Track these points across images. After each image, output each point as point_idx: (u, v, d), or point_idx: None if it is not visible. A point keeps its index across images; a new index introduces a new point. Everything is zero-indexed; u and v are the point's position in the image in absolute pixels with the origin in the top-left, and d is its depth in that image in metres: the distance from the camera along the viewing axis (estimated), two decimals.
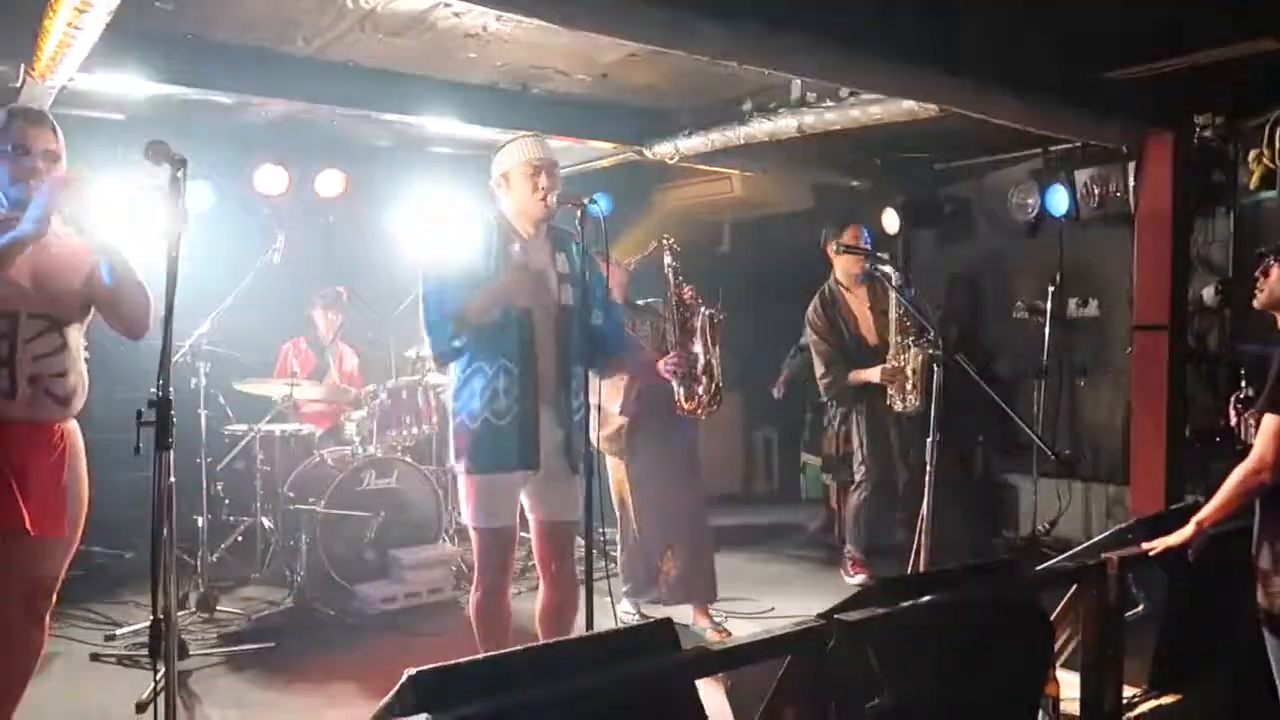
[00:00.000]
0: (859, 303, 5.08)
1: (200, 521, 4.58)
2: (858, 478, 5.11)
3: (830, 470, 6.12)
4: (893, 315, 4.87)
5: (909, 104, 3.94)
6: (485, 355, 3.03)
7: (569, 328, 3.10)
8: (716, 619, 4.41)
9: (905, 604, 2.57)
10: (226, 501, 5.14)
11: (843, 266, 5.04)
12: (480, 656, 1.96)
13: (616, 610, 4.29)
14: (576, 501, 3.09)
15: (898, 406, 4.85)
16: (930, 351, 3.94)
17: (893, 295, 4.77)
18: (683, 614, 4.38)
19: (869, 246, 4.91)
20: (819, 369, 5.08)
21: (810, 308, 5.13)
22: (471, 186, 5.81)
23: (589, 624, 2.96)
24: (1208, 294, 4.86)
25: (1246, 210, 4.36)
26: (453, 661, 1.93)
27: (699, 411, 4.11)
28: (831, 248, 4.95)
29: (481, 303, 2.97)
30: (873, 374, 4.90)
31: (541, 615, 3.22)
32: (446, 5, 3.44)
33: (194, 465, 4.51)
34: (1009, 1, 3.37)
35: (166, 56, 3.90)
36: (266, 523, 4.98)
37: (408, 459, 5.04)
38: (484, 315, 2.97)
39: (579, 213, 2.96)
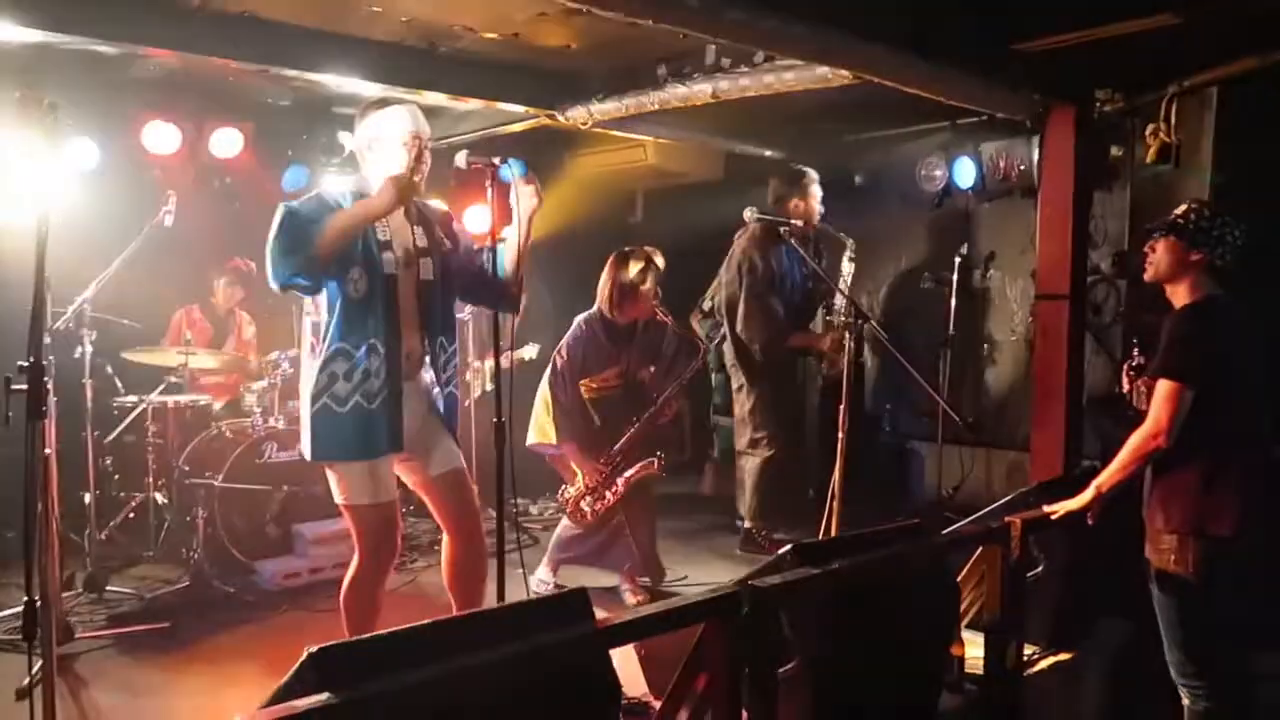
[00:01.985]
0: (797, 258, 5.04)
1: (88, 498, 4.35)
2: (758, 444, 5.10)
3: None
4: (847, 281, 4.84)
5: (823, 70, 3.93)
6: (350, 335, 2.88)
7: (432, 302, 3.04)
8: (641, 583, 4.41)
9: (817, 570, 2.58)
10: (116, 477, 4.89)
11: (809, 217, 4.94)
12: (385, 632, 1.88)
13: (530, 580, 4.27)
14: (457, 451, 3.07)
15: (826, 369, 4.85)
16: (845, 319, 3.98)
17: (846, 261, 4.77)
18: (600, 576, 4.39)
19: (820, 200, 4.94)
20: (759, 318, 4.99)
21: (751, 251, 5.01)
22: None
23: (500, 595, 2.90)
24: (1105, 265, 5.03)
25: (1143, 183, 4.51)
26: (356, 638, 1.86)
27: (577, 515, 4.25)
28: (799, 202, 4.97)
29: (347, 218, 2.80)
30: (820, 340, 4.86)
31: (453, 573, 3.12)
32: None
33: (80, 439, 4.28)
34: None
35: (43, 1, 3.62)
36: (160, 498, 4.76)
37: None
38: (347, 234, 2.79)
39: (489, 175, 2.87)
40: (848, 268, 4.99)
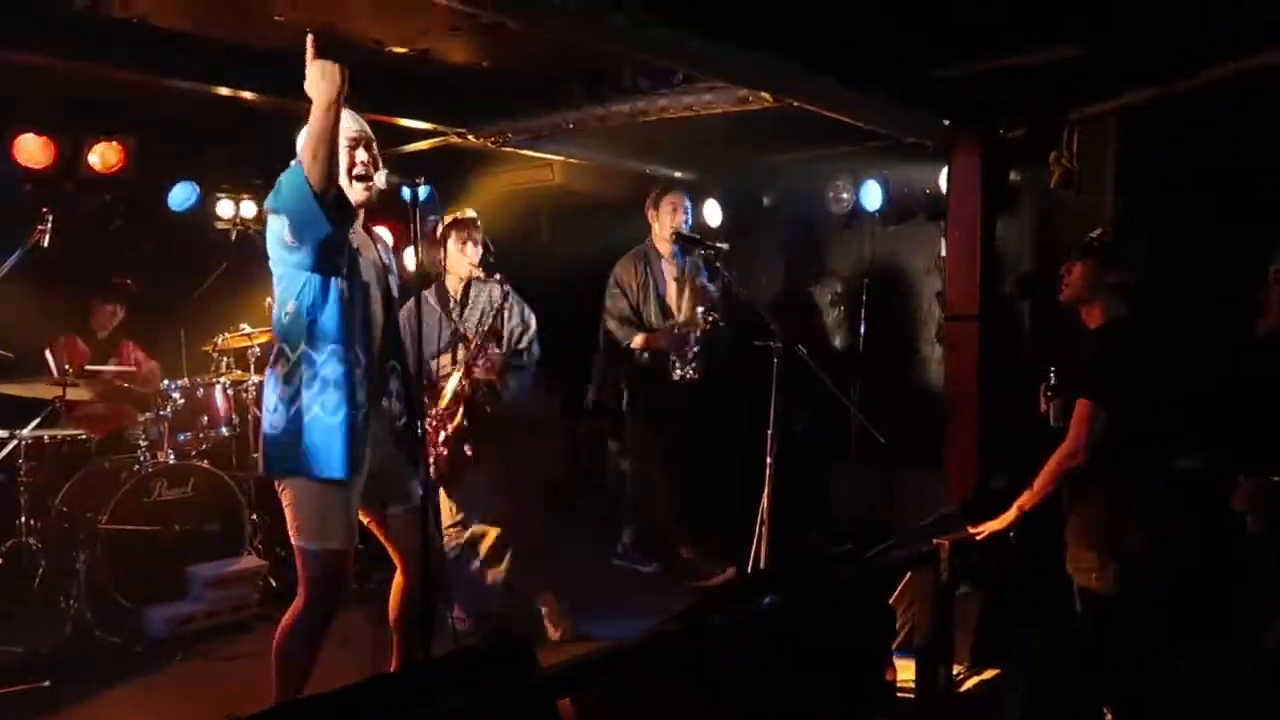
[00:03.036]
0: (670, 269, 5.13)
1: None
2: (632, 462, 5.08)
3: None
4: (695, 284, 4.98)
5: (742, 92, 3.93)
6: (315, 340, 2.71)
7: (392, 321, 2.94)
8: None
9: (759, 602, 2.53)
10: None
11: (661, 230, 5.05)
12: (322, 693, 1.72)
13: (448, 618, 4.08)
14: (418, 487, 2.90)
15: (676, 375, 4.89)
16: (772, 344, 3.97)
17: (692, 262, 4.94)
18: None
19: (689, 214, 5.05)
20: (610, 324, 5.04)
21: (620, 264, 5.09)
22: (273, 165, 5.36)
23: (427, 639, 2.74)
24: (1006, 287, 5.16)
25: (1046, 208, 4.66)
26: (285, 701, 1.70)
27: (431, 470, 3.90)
28: (653, 211, 5.06)
29: (313, 121, 2.62)
30: (658, 339, 4.94)
31: (402, 610, 2.99)
32: None
33: None
34: None
35: None
36: (34, 543, 4.36)
37: (205, 464, 4.57)
38: (324, 137, 2.62)
39: (411, 195, 2.73)
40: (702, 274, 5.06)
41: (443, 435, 3.90)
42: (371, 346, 2.81)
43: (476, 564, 4.16)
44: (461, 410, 3.90)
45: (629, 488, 5.27)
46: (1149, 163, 4.17)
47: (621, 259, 5.14)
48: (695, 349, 4.92)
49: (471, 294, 4.18)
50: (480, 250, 4.09)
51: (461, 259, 4.07)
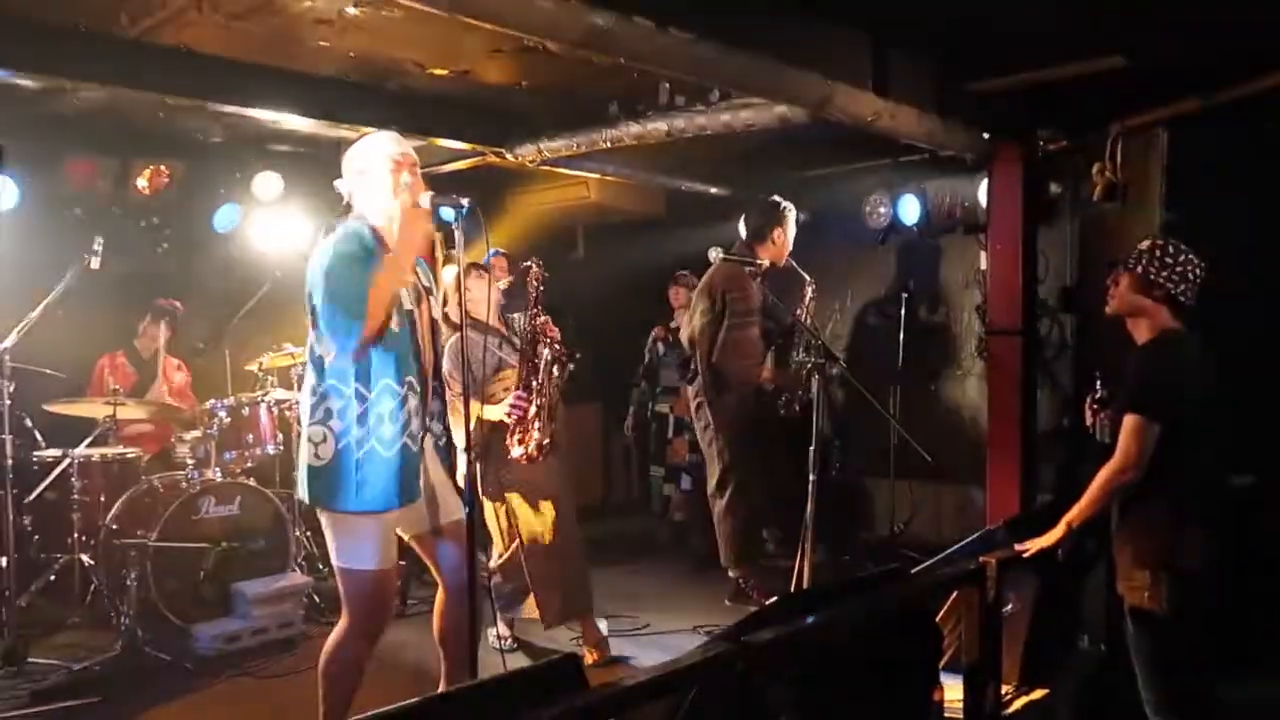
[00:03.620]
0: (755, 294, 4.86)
1: (4, 561, 4.04)
2: (726, 483, 4.99)
3: (673, 480, 6.05)
4: (806, 319, 4.72)
5: (780, 109, 3.92)
6: (390, 371, 2.72)
7: (439, 342, 2.98)
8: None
9: (809, 622, 2.50)
10: (36, 537, 4.54)
11: (779, 251, 4.75)
12: (369, 715, 1.72)
13: (488, 635, 4.10)
14: (459, 501, 2.91)
15: (784, 412, 4.74)
16: (815, 360, 3.94)
17: (808, 297, 4.69)
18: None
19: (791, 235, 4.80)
20: (742, 346, 4.73)
21: (736, 279, 4.75)
22: (312, 187, 5.45)
23: (473, 662, 2.74)
24: (1050, 300, 5.11)
25: (1090, 220, 4.61)
26: None
27: (525, 459, 3.83)
28: (774, 233, 4.77)
29: (382, 285, 2.65)
30: (778, 376, 4.75)
31: (446, 626, 2.96)
32: None
33: None
34: (877, 8, 3.44)
35: None
36: (86, 559, 4.44)
37: (251, 482, 4.63)
38: (384, 305, 2.66)
39: (456, 214, 2.75)
40: (810, 304, 4.92)
41: (534, 408, 3.81)
42: (424, 372, 2.82)
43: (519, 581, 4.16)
44: (549, 370, 3.83)
45: (681, 515, 5.07)
46: (1197, 174, 4.11)
47: (729, 275, 4.77)
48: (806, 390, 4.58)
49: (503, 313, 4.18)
50: (496, 282, 4.06)
51: (481, 290, 4.02)
